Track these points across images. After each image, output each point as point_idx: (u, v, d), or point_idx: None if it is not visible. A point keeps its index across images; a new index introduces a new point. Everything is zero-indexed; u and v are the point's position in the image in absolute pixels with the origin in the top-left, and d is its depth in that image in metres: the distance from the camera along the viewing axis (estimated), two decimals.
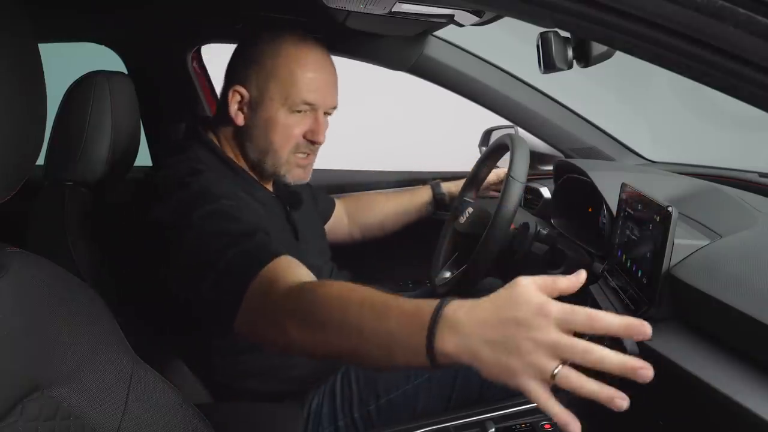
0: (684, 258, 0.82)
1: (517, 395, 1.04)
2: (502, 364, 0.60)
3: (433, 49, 1.59)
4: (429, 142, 3.11)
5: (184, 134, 1.12)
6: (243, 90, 1.04)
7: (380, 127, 3.14)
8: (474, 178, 1.48)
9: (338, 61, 1.65)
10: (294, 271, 0.82)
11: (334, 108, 1.09)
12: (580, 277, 0.61)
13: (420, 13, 1.19)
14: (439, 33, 1.55)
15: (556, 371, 0.57)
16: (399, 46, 1.57)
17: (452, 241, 1.46)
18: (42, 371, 0.58)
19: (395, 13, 1.18)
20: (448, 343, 0.62)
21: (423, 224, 1.83)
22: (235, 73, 1.05)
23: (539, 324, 0.57)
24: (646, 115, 3.16)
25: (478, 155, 1.53)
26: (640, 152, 1.73)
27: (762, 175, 1.36)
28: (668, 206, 0.77)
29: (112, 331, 0.70)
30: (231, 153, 1.09)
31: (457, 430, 0.99)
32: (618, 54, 0.69)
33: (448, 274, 1.38)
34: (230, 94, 1.04)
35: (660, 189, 1.09)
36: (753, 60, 0.46)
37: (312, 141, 1.06)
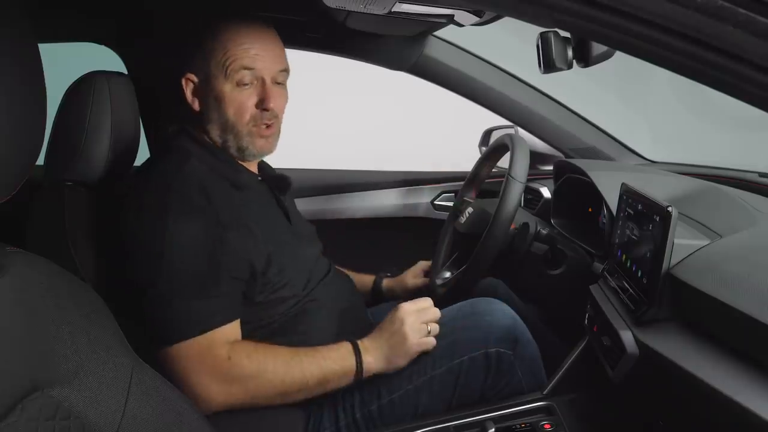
0: (684, 258, 0.82)
1: (517, 395, 1.04)
2: (404, 352, 1.04)
3: (433, 49, 1.59)
4: (429, 142, 3.11)
5: (175, 131, 1.14)
6: (192, 76, 1.07)
7: (380, 127, 3.13)
8: (474, 178, 1.48)
9: (338, 61, 1.67)
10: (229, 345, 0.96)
11: (283, 72, 1.09)
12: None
13: (420, 13, 1.19)
14: (439, 33, 1.55)
15: (429, 329, 1.06)
16: (399, 46, 1.57)
17: (452, 241, 1.46)
18: (42, 371, 0.58)
19: (395, 13, 1.18)
20: (371, 366, 1.03)
21: (423, 224, 1.83)
22: (181, 62, 1.08)
23: (408, 321, 1.04)
24: (646, 115, 3.16)
25: (478, 155, 1.53)
26: (640, 152, 1.73)
27: (762, 175, 1.36)
28: (668, 206, 0.77)
29: (112, 331, 0.70)
30: (211, 140, 1.11)
31: (457, 430, 0.99)
32: (618, 54, 0.69)
33: (448, 274, 1.38)
34: (183, 83, 1.08)
35: (660, 189, 1.09)
36: (753, 60, 0.46)
37: (264, 109, 1.07)
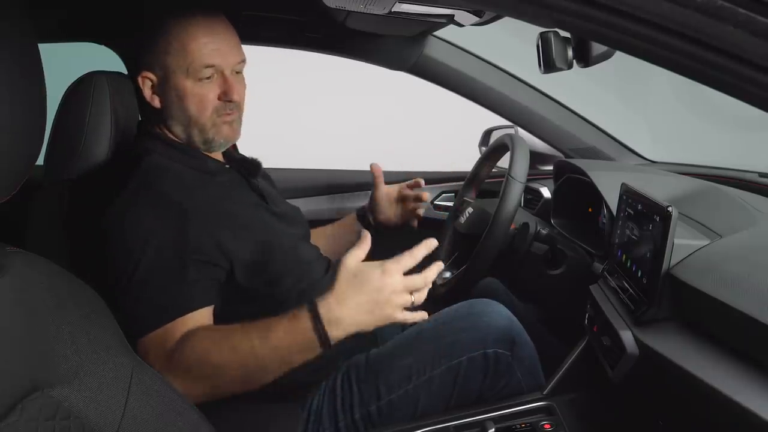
0: (684, 258, 0.82)
1: (517, 395, 1.04)
2: (380, 317, 0.88)
3: (433, 49, 1.59)
4: (429, 142, 3.11)
5: (137, 132, 1.15)
6: (149, 74, 1.06)
7: (380, 127, 3.14)
8: (474, 178, 1.48)
9: (338, 61, 1.67)
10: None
11: (241, 63, 1.10)
12: (366, 238, 0.90)
13: (420, 13, 1.19)
14: (439, 33, 1.55)
15: (413, 299, 0.89)
16: (399, 46, 1.57)
17: (452, 241, 1.46)
18: (42, 371, 0.58)
19: (395, 13, 1.18)
20: (337, 332, 0.87)
21: (423, 224, 1.83)
22: (138, 61, 1.07)
23: (386, 281, 0.86)
24: (646, 115, 3.16)
25: (478, 155, 1.53)
26: (640, 152, 1.73)
27: (762, 175, 1.36)
28: (668, 206, 0.77)
29: (112, 331, 0.70)
30: (174, 135, 1.11)
31: (457, 430, 0.99)
32: (618, 54, 0.69)
33: (448, 274, 1.38)
34: (140, 81, 1.07)
35: (660, 189, 1.09)
36: (753, 60, 0.46)
37: (228, 100, 1.07)
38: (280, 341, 0.88)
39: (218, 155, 1.17)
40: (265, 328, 0.90)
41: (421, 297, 0.90)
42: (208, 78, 1.05)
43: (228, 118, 1.09)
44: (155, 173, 1.02)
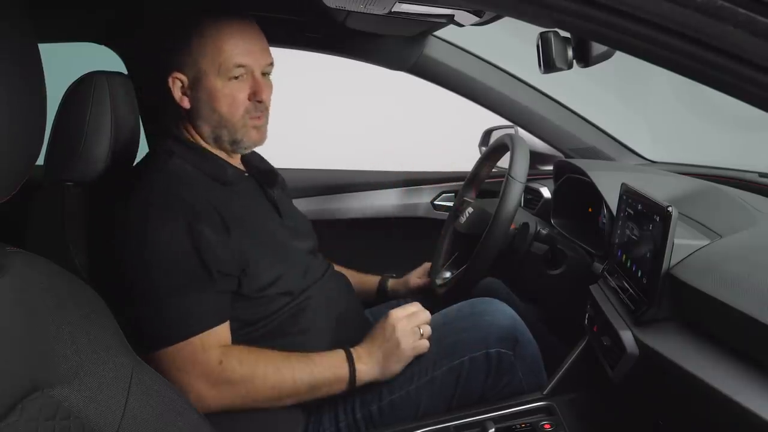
0: (684, 258, 0.82)
1: (518, 395, 1.04)
2: (398, 357, 1.04)
3: (433, 49, 1.59)
4: (429, 142, 3.11)
5: (158, 134, 1.15)
6: (180, 75, 1.07)
7: (380, 127, 3.13)
8: (474, 178, 1.48)
9: (338, 61, 1.67)
10: (220, 348, 0.97)
11: (270, 65, 1.11)
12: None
13: (420, 13, 1.19)
14: (439, 33, 1.55)
15: (422, 332, 1.06)
16: (399, 46, 1.57)
17: (452, 241, 1.46)
18: (42, 371, 0.58)
19: (395, 13, 1.18)
20: (364, 374, 1.03)
21: (423, 224, 1.83)
22: (168, 62, 1.08)
23: (399, 327, 1.05)
24: (646, 115, 3.16)
25: (478, 155, 1.53)
26: (640, 152, 1.73)
27: (762, 175, 1.36)
28: (668, 206, 0.77)
29: (112, 331, 0.70)
30: (195, 139, 1.12)
31: (457, 430, 0.99)
32: (618, 54, 0.69)
33: (448, 274, 1.38)
34: (170, 82, 1.07)
35: (660, 189, 1.09)
36: (753, 60, 0.46)
37: (258, 101, 1.08)
38: (319, 371, 1.00)
39: (238, 161, 1.17)
40: (305, 357, 1.01)
41: (427, 330, 1.07)
42: (238, 78, 1.06)
43: (257, 122, 1.10)
44: (175, 178, 1.02)
